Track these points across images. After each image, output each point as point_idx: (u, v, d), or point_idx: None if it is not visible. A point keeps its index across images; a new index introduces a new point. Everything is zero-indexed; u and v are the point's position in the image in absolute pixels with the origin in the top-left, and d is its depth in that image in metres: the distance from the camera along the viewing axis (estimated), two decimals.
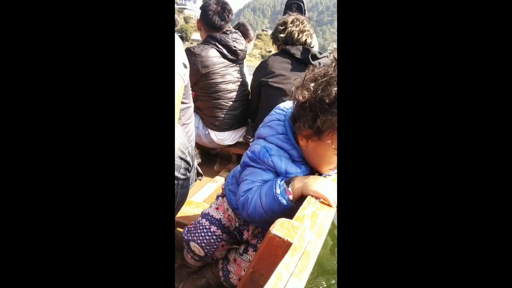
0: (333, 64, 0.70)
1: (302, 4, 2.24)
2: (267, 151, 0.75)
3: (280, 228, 0.52)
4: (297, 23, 1.79)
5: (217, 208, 0.97)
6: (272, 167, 0.75)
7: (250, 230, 0.92)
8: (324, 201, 0.66)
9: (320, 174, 0.79)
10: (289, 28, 1.78)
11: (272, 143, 0.77)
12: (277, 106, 0.87)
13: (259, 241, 0.89)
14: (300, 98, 0.68)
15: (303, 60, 1.72)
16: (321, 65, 0.81)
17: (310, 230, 0.55)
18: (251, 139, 1.99)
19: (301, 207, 0.62)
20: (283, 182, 0.70)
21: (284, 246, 0.50)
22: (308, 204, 0.63)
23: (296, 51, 1.73)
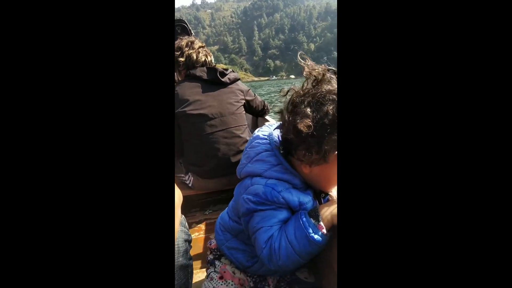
0: (309, 79, 0.66)
1: (185, 25, 2.20)
2: (273, 188, 0.67)
3: None
4: (192, 45, 1.76)
5: (221, 278, 0.82)
6: (284, 204, 0.67)
7: (271, 285, 0.83)
8: None
9: (326, 194, 0.77)
10: (186, 52, 1.72)
11: (272, 178, 0.69)
12: (254, 135, 0.79)
13: None
14: (305, 128, 0.61)
15: (212, 80, 1.68)
16: (293, 85, 0.77)
17: None
18: (185, 178, 1.81)
19: None
20: (310, 218, 0.65)
21: None
22: None
23: (202, 73, 1.67)
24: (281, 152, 0.71)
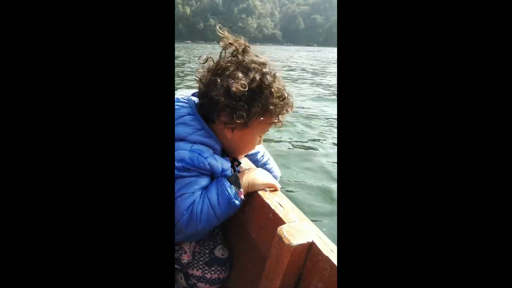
0: (228, 50, 0.71)
1: None
2: (200, 154, 0.68)
3: (294, 235, 0.59)
4: None
5: None
6: (208, 170, 0.70)
7: (188, 251, 0.84)
8: (270, 189, 0.76)
9: (239, 162, 0.84)
10: None
11: (197, 142, 0.70)
12: (175, 98, 0.78)
13: (206, 269, 0.84)
14: (240, 88, 0.65)
15: None
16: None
17: (300, 220, 0.66)
18: None
19: (271, 207, 0.69)
20: (231, 185, 0.71)
21: (306, 247, 0.59)
22: (270, 201, 0.72)
23: None
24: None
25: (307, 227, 0.62)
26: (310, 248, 0.59)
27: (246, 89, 0.66)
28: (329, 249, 0.57)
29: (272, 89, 0.68)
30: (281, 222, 0.65)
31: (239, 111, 0.67)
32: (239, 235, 0.89)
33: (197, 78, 0.75)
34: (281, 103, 0.71)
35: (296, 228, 0.61)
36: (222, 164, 0.73)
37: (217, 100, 0.68)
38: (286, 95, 0.72)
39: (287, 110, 0.74)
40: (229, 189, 0.69)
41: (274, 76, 0.70)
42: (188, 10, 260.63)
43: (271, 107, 0.69)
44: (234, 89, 0.65)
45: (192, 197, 0.68)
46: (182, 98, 0.77)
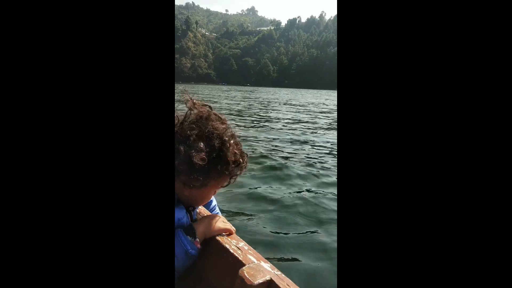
0: (188, 113, 0.76)
1: None
2: None
3: (255, 275, 0.66)
4: None
5: None
6: None
7: None
8: (225, 232, 0.82)
9: (191, 206, 0.88)
10: None
11: None
12: None
13: None
14: (201, 162, 0.70)
15: None
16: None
17: (257, 260, 0.73)
18: None
19: (230, 251, 0.76)
20: (187, 236, 0.75)
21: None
22: (229, 246, 0.78)
23: None
24: None
25: (264, 266, 0.69)
26: (270, 285, 0.66)
27: (205, 162, 0.71)
28: (286, 284, 0.65)
29: (229, 158, 0.74)
30: (241, 264, 0.72)
31: (198, 176, 0.73)
32: (195, 282, 0.91)
33: None
34: (236, 168, 0.78)
35: (255, 269, 0.68)
36: (177, 214, 0.78)
37: (178, 168, 0.73)
38: (241, 160, 0.78)
39: (240, 171, 0.80)
40: (185, 240, 0.74)
41: (231, 144, 0.75)
42: None
43: (226, 172, 0.76)
44: (195, 160, 0.70)
45: None
46: None
